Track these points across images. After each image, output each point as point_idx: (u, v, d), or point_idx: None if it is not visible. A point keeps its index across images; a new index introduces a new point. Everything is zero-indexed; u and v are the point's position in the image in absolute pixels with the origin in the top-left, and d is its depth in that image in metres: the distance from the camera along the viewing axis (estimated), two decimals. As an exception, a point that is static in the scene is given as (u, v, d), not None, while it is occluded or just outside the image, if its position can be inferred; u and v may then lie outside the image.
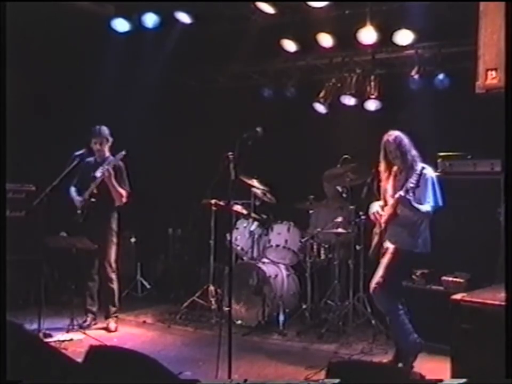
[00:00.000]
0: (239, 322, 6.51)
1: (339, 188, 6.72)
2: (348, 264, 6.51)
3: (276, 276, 6.72)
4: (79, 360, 3.10)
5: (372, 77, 7.29)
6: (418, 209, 4.89)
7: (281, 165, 7.68)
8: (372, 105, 7.29)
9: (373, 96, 7.23)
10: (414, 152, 5.05)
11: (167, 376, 2.82)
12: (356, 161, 6.48)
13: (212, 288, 6.98)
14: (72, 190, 6.42)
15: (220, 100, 8.31)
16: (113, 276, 6.40)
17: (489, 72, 4.16)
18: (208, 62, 8.25)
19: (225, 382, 4.15)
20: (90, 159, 6.47)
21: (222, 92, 8.46)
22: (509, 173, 4.04)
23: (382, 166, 5.20)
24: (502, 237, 5.01)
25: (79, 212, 6.25)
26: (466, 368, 3.96)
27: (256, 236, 6.99)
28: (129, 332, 6.43)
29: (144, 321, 6.86)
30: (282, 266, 6.94)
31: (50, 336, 5.75)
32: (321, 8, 6.53)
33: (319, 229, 6.71)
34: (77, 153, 5.98)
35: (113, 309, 6.43)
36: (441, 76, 6.85)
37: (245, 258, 7.10)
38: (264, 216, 7.20)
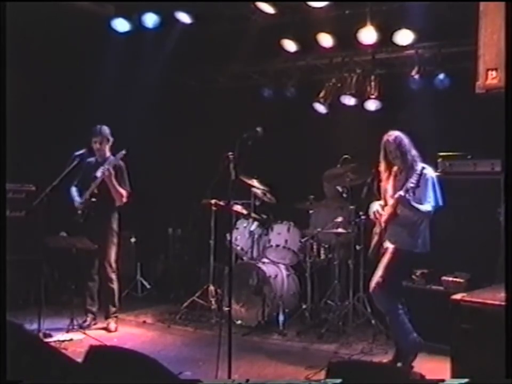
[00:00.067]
0: (239, 322, 6.51)
1: (339, 188, 6.72)
2: (348, 264, 6.51)
3: (276, 275, 6.72)
4: (79, 360, 3.10)
5: (372, 77, 7.29)
6: (418, 209, 4.89)
7: (281, 165, 7.68)
8: (372, 105, 7.29)
9: (373, 96, 7.23)
10: (414, 152, 5.05)
11: (167, 376, 2.82)
12: (356, 161, 6.48)
13: (211, 288, 6.98)
14: (73, 190, 6.42)
15: (220, 100, 8.31)
16: (113, 276, 6.40)
17: (489, 72, 4.16)
18: (208, 62, 8.25)
19: (226, 382, 4.14)
20: (91, 159, 6.46)
21: (222, 92, 8.46)
22: (509, 173, 4.04)
23: (382, 166, 5.20)
24: (502, 237, 5.02)
25: (79, 211, 6.25)
26: (466, 368, 3.96)
27: (256, 236, 6.99)
28: (129, 332, 6.43)
29: (144, 321, 6.86)
30: (282, 266, 6.94)
31: (50, 336, 5.75)
32: (321, 8, 6.53)
33: (319, 229, 6.71)
34: (77, 153, 5.98)
35: (113, 309, 6.43)
36: (441, 76, 6.86)
37: (245, 258, 7.10)
38: (264, 216, 7.20)
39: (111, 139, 6.45)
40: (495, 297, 4.01)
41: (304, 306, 6.70)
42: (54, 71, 7.25)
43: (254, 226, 7.04)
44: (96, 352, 3.08)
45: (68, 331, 5.94)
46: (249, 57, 7.80)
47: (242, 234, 7.05)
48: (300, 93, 7.82)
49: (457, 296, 4.20)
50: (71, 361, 3.18)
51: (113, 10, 7.59)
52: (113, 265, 6.38)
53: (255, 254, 6.98)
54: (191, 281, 7.79)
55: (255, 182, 6.96)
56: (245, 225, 7.08)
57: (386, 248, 5.08)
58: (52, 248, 6.25)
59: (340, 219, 6.56)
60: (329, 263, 6.73)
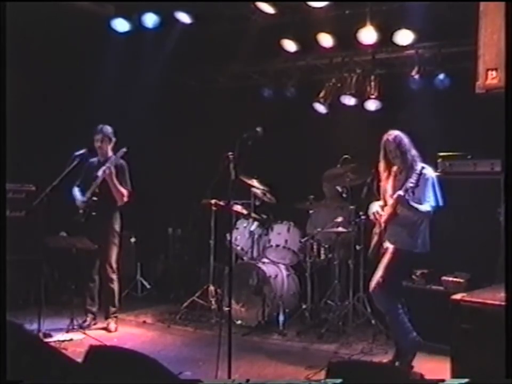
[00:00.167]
0: (239, 322, 6.51)
1: (339, 188, 6.72)
2: (348, 264, 6.51)
3: (276, 276, 6.72)
4: (79, 360, 3.10)
5: (372, 77, 7.29)
6: (417, 209, 4.89)
7: (281, 165, 7.68)
8: (372, 105, 7.29)
9: (373, 96, 7.23)
10: (413, 151, 5.05)
11: (167, 376, 2.82)
12: (356, 161, 6.48)
13: (211, 288, 6.98)
14: (76, 190, 6.40)
15: (220, 100, 8.31)
16: (114, 276, 6.39)
17: (489, 72, 4.16)
18: (208, 62, 8.25)
19: (226, 382, 4.14)
20: (94, 159, 6.46)
21: (222, 92, 8.46)
22: (509, 173, 4.04)
23: (381, 166, 5.19)
24: (502, 237, 5.02)
25: (80, 211, 6.24)
26: (466, 368, 3.96)
27: (256, 236, 6.99)
28: (129, 332, 6.43)
29: (144, 321, 6.86)
30: (282, 266, 6.94)
31: (50, 336, 5.75)
32: (321, 8, 6.54)
33: (319, 229, 6.72)
34: (77, 153, 5.98)
35: (113, 309, 6.43)
36: (441, 76, 6.86)
37: (245, 258, 7.10)
38: (264, 216, 7.20)
39: (114, 139, 6.44)
40: (495, 297, 4.01)
41: (304, 306, 6.70)
42: (54, 71, 7.26)
43: (254, 226, 7.04)
44: (96, 352, 3.08)
45: (67, 331, 5.94)
46: (249, 57, 7.80)
47: (242, 234, 7.05)
48: (299, 93, 7.82)
49: (457, 296, 4.20)
50: (71, 361, 3.18)
51: (113, 10, 7.59)
52: (114, 265, 6.38)
53: (255, 254, 6.98)
54: (191, 281, 7.79)
55: (255, 182, 6.96)
56: (245, 225, 7.08)
57: (386, 248, 5.08)
58: (51, 248, 6.25)
59: (339, 219, 6.56)
60: (329, 263, 6.73)
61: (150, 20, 7.30)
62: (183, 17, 7.22)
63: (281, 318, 6.47)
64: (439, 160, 6.14)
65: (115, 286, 6.41)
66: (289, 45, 7.24)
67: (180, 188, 8.23)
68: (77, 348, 5.23)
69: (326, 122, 7.55)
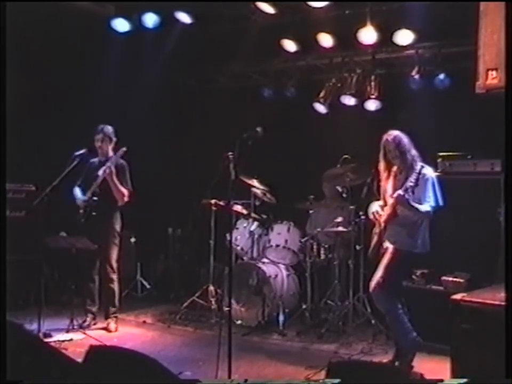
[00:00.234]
0: (239, 322, 6.51)
1: (339, 188, 6.72)
2: (348, 264, 6.51)
3: (276, 275, 6.72)
4: (79, 360, 3.10)
5: (372, 77, 7.29)
6: (417, 209, 4.89)
7: (281, 165, 7.68)
8: (372, 105, 7.29)
9: (373, 96, 7.23)
10: (413, 151, 5.04)
11: (167, 376, 2.82)
12: (356, 161, 6.48)
13: (211, 288, 6.98)
14: (77, 190, 6.39)
15: (220, 100, 8.31)
16: (114, 276, 6.39)
17: (490, 72, 4.16)
18: (208, 62, 8.25)
19: (226, 382, 4.14)
20: (95, 159, 6.46)
21: (222, 92, 8.46)
22: (509, 173, 4.04)
23: (381, 166, 5.19)
24: (502, 237, 5.02)
25: (81, 211, 6.24)
26: (466, 368, 3.96)
27: (256, 236, 6.99)
28: (129, 332, 6.43)
29: (144, 321, 6.86)
30: (282, 266, 6.94)
31: (50, 336, 5.75)
32: (321, 8, 6.53)
33: (319, 229, 6.72)
34: (77, 153, 5.98)
35: (113, 309, 6.43)
36: (441, 76, 6.85)
37: (245, 258, 7.10)
38: (264, 216, 7.20)
39: (114, 139, 6.43)
40: (495, 297, 4.01)
41: (304, 306, 6.70)
42: (54, 71, 7.26)
43: (254, 226, 7.04)
44: (96, 352, 3.08)
45: (67, 331, 5.94)
46: (249, 57, 7.80)
47: (242, 234, 7.05)
48: (299, 93, 7.82)
49: (457, 296, 4.21)
50: (71, 361, 3.18)
51: (113, 10, 7.59)
52: (114, 266, 6.37)
53: (255, 254, 6.98)
54: (191, 281, 7.79)
55: (255, 182, 6.96)
56: (245, 225, 7.08)
57: (386, 248, 5.07)
58: (52, 248, 6.25)
59: (339, 219, 6.56)
60: (329, 263, 6.73)
61: (150, 20, 7.30)
62: (183, 17, 7.21)
63: (281, 318, 6.47)
64: (439, 160, 6.14)
65: (115, 286, 6.41)
66: (289, 45, 7.24)
67: (180, 188, 8.23)
68: (77, 347, 5.22)
69: (326, 122, 7.55)
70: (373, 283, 5.08)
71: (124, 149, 6.18)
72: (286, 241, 6.88)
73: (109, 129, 6.40)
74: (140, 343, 5.88)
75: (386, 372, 3.10)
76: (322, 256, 6.76)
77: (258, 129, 4.74)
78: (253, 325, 6.48)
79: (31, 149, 7.14)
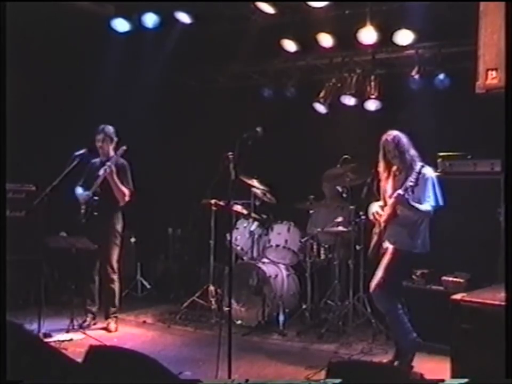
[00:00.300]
0: (239, 322, 6.51)
1: (339, 188, 6.72)
2: (348, 264, 6.51)
3: (276, 275, 6.72)
4: (79, 360, 3.10)
5: (372, 77, 7.29)
6: (417, 209, 4.88)
7: (281, 165, 7.68)
8: (372, 105, 7.29)
9: (373, 96, 7.23)
10: (412, 151, 5.04)
11: (167, 376, 2.82)
12: (356, 161, 6.48)
13: (211, 288, 6.98)
14: (79, 189, 6.39)
15: (220, 100, 8.32)
16: (115, 277, 6.38)
17: (490, 72, 4.16)
18: (208, 62, 8.25)
19: (226, 382, 4.14)
20: (96, 159, 6.46)
21: (222, 92, 8.46)
22: (509, 173, 4.04)
23: (381, 166, 5.19)
24: (502, 237, 5.02)
25: (82, 211, 6.23)
26: (466, 368, 3.96)
27: (256, 236, 6.99)
28: (129, 332, 6.43)
29: (144, 321, 6.86)
30: (282, 266, 6.94)
31: (50, 336, 5.75)
32: (321, 8, 6.53)
33: (319, 229, 6.72)
34: (77, 153, 5.98)
35: (113, 309, 6.43)
36: (441, 76, 6.86)
37: (245, 258, 7.10)
38: (264, 216, 7.20)
39: (115, 139, 6.42)
40: (495, 297, 4.01)
41: (304, 306, 6.70)
42: (54, 71, 7.25)
43: (254, 226, 7.04)
44: (96, 352, 3.08)
45: (68, 331, 5.94)
46: (249, 57, 7.80)
47: (242, 234, 7.05)
48: (300, 93, 7.82)
49: (457, 296, 4.20)
50: (71, 361, 3.18)
51: (113, 10, 7.59)
52: (115, 266, 6.37)
53: (255, 254, 6.97)
54: (191, 281, 7.79)
55: (255, 182, 6.96)
56: (245, 225, 7.08)
57: (386, 249, 5.07)
58: (52, 248, 6.25)
59: (339, 219, 6.56)
60: (329, 263, 6.73)
61: (150, 20, 7.30)
62: (183, 17, 7.21)
63: (281, 318, 6.47)
64: (439, 160, 6.14)
65: (116, 286, 6.41)
66: (289, 45, 7.24)
67: (180, 188, 8.24)
68: (77, 347, 5.22)
69: (326, 122, 7.55)
70: (373, 283, 5.08)
71: (124, 147, 6.19)
72: (286, 241, 6.88)
73: (110, 129, 6.39)
74: (140, 343, 5.88)
75: (386, 372, 3.10)
76: (322, 256, 6.77)
77: (258, 129, 4.74)
78: (253, 325, 6.48)
79: (31, 149, 7.14)
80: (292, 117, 7.86)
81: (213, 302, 6.89)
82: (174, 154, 8.34)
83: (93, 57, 7.45)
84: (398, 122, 5.99)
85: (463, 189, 5.79)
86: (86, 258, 6.30)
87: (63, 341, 5.62)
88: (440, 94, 6.85)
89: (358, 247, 6.45)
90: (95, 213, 6.17)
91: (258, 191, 7.08)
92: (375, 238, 5.16)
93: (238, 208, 7.01)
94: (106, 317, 6.41)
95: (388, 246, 5.06)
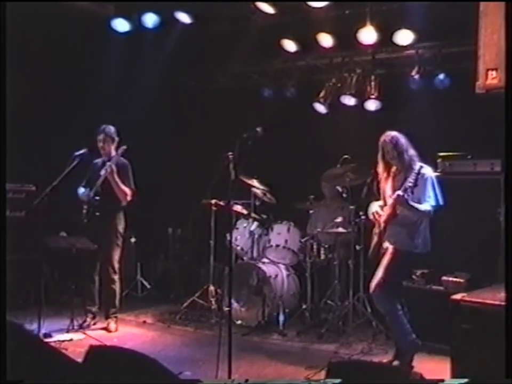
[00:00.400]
0: (239, 322, 6.51)
1: (339, 188, 6.72)
2: (348, 264, 6.51)
3: (276, 275, 6.72)
4: (79, 360, 3.10)
5: (372, 77, 7.29)
6: (417, 209, 4.88)
7: (281, 165, 7.68)
8: (372, 105, 7.29)
9: (373, 96, 7.24)
10: (411, 151, 5.04)
11: (167, 376, 2.82)
12: (356, 161, 6.48)
13: (211, 288, 6.98)
14: (81, 189, 6.38)
15: (220, 100, 8.31)
16: (115, 277, 6.38)
17: (490, 72, 4.16)
18: (208, 62, 8.25)
19: (226, 382, 4.14)
20: (98, 160, 6.46)
21: (222, 92, 8.47)
22: (509, 173, 4.04)
23: (380, 167, 5.19)
24: (502, 237, 5.02)
25: (84, 211, 6.23)
26: (466, 368, 3.96)
27: (256, 236, 6.99)
28: (129, 332, 6.43)
29: (144, 321, 6.86)
30: (282, 266, 6.94)
31: (50, 336, 5.75)
32: (321, 8, 6.53)
33: (319, 229, 6.72)
34: (77, 153, 5.98)
35: (113, 309, 6.43)
36: (441, 76, 6.86)
37: (245, 258, 7.10)
38: (264, 216, 7.20)
39: (116, 139, 6.41)
40: (495, 297, 4.01)
41: (304, 306, 6.70)
42: (54, 71, 7.25)
43: (254, 226, 7.04)
44: (96, 352, 3.08)
45: (68, 331, 5.94)
46: (249, 57, 7.80)
47: (242, 234, 7.05)
48: (300, 93, 7.82)
49: (457, 296, 4.20)
50: (71, 361, 3.17)
51: (113, 10, 7.59)
52: (116, 266, 6.36)
53: (255, 254, 6.98)
54: (191, 281, 7.79)
55: (255, 182, 6.96)
56: (245, 225, 7.08)
57: (386, 249, 5.07)
58: (52, 248, 6.25)
59: (339, 219, 6.57)
60: (329, 263, 6.73)
61: (150, 20, 7.30)
62: (183, 17, 7.21)
63: (281, 318, 6.47)
64: (439, 160, 6.14)
65: (116, 286, 6.40)
66: (289, 45, 7.24)
67: (180, 188, 8.24)
68: (77, 347, 5.22)
69: (326, 122, 7.55)
70: (373, 284, 5.08)
71: (124, 147, 6.19)
72: (286, 241, 6.88)
73: (111, 129, 6.39)
74: (140, 343, 5.88)
75: (386, 372, 3.10)
76: (322, 256, 6.76)
77: (258, 129, 4.74)
78: (253, 325, 6.48)
79: (31, 149, 7.14)
80: (292, 117, 7.86)
81: (213, 302, 6.89)
82: (174, 154, 8.34)
83: (93, 57, 7.44)
84: (398, 122, 6.00)
85: (463, 189, 5.79)
86: (86, 258, 6.30)
87: (63, 341, 5.62)
88: (440, 94, 6.85)
89: (358, 247, 6.45)
90: (97, 213, 6.16)
91: (258, 191, 7.08)
92: (375, 238, 5.16)
93: (238, 208, 7.01)
94: (106, 317, 6.41)
95: (388, 246, 5.06)
